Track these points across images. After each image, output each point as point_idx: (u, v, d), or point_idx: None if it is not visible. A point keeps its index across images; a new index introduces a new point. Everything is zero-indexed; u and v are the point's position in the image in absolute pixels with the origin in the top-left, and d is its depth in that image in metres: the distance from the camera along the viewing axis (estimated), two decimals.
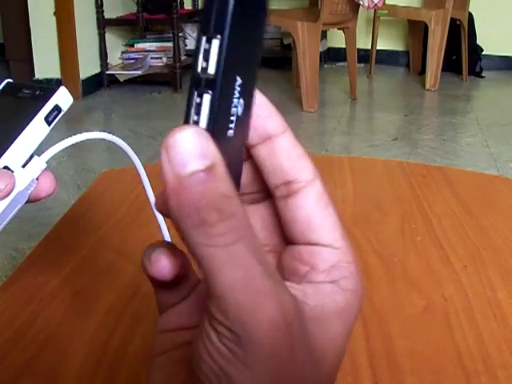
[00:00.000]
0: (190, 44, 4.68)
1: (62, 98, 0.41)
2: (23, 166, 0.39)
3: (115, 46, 4.15)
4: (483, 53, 4.40)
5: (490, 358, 0.50)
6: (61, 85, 0.43)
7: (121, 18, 4.10)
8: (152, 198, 0.51)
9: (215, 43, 0.21)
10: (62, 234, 0.71)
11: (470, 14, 4.19)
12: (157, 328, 0.27)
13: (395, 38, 4.67)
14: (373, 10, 4.11)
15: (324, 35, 4.53)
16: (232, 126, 0.23)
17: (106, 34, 3.93)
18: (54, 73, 3.72)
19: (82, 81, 3.74)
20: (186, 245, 0.21)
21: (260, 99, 0.25)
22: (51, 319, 0.55)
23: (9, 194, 0.37)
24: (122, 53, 4.24)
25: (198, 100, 0.21)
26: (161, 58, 4.22)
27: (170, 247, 0.25)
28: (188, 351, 0.24)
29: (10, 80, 0.43)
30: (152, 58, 4.20)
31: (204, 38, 0.21)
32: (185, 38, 4.64)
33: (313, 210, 0.25)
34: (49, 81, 3.72)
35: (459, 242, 0.69)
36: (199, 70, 0.21)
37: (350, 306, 0.24)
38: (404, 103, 3.75)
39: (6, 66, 4.27)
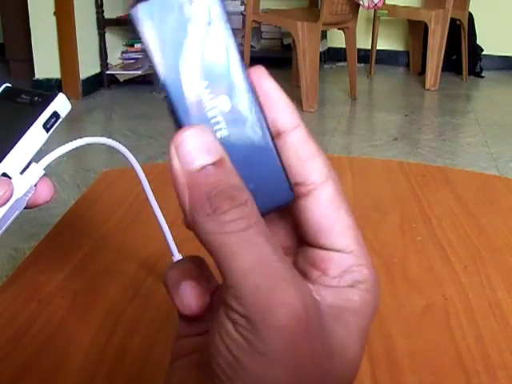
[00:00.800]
0: None
1: (61, 104, 0.40)
2: (21, 173, 0.39)
3: (115, 46, 4.15)
4: (483, 53, 4.40)
5: (489, 358, 0.50)
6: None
7: (121, 18, 4.09)
8: (152, 199, 0.51)
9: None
10: (61, 233, 0.71)
11: (470, 14, 4.19)
12: (176, 333, 0.27)
13: (395, 38, 4.67)
14: (373, 10, 4.11)
15: (324, 35, 4.52)
16: (220, 125, 0.23)
17: (106, 34, 3.93)
18: (54, 73, 3.72)
19: (82, 81, 3.74)
20: (200, 239, 0.21)
21: (271, 92, 0.24)
22: (51, 319, 0.55)
23: (7, 201, 0.37)
24: (122, 53, 4.24)
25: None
26: None
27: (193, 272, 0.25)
28: (203, 354, 0.24)
29: (9, 84, 0.42)
30: None
31: None
32: None
33: (323, 213, 0.24)
34: (49, 81, 3.73)
35: (459, 242, 0.69)
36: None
37: (366, 304, 0.24)
38: (404, 103, 3.75)
39: (6, 65, 4.27)
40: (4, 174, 0.38)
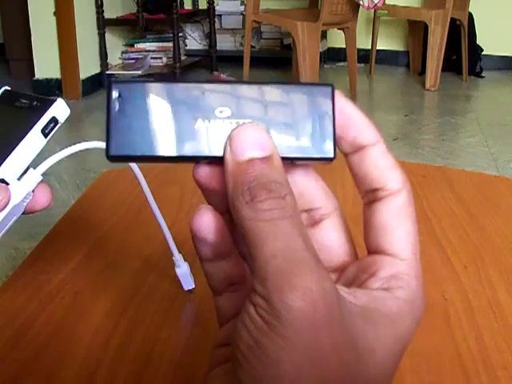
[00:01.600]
0: (190, 44, 4.68)
1: (60, 109, 0.40)
2: (19, 179, 0.38)
3: (115, 46, 4.15)
4: (483, 53, 4.40)
5: (489, 358, 0.50)
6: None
7: (121, 18, 4.10)
8: (151, 200, 0.51)
9: None
10: (62, 233, 0.71)
11: (470, 14, 4.19)
12: (214, 342, 0.27)
13: (395, 38, 4.67)
14: (373, 10, 4.11)
15: (324, 35, 4.53)
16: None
17: (106, 34, 3.93)
18: (54, 73, 3.72)
19: (82, 81, 3.74)
20: (236, 223, 0.23)
21: (351, 111, 0.26)
22: (51, 319, 0.55)
23: (4, 208, 0.37)
24: (122, 53, 4.24)
25: None
26: (161, 57, 4.22)
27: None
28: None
29: (8, 88, 0.42)
30: (152, 58, 4.20)
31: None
32: (185, 38, 4.64)
33: (390, 218, 0.26)
34: (49, 81, 3.73)
35: (459, 242, 0.69)
36: None
37: (403, 314, 0.24)
38: (404, 103, 3.75)
39: (6, 65, 4.27)
40: (1, 180, 0.37)
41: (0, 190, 0.37)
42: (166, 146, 0.24)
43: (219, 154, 0.24)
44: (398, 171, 0.26)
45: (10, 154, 0.38)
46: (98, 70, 3.93)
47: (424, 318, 0.59)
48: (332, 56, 4.69)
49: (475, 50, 4.31)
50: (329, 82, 0.26)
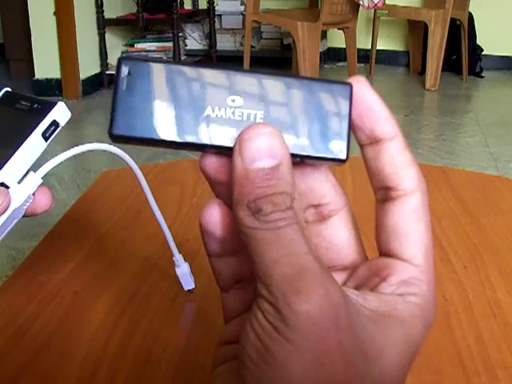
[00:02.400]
0: (190, 44, 4.68)
1: (60, 113, 0.39)
2: (19, 182, 0.38)
3: (115, 46, 4.15)
4: (483, 53, 4.40)
5: (489, 358, 0.50)
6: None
7: (121, 18, 4.10)
8: (151, 200, 0.51)
9: None
10: (62, 233, 0.71)
11: (470, 14, 4.19)
12: (219, 339, 0.27)
13: (395, 38, 4.67)
14: (373, 10, 4.11)
15: (324, 35, 4.52)
16: None
17: (106, 34, 3.93)
18: (54, 73, 3.72)
19: (82, 81, 3.74)
20: (237, 228, 0.23)
21: (372, 101, 0.25)
22: (51, 319, 0.55)
23: (4, 211, 0.37)
24: (122, 53, 4.24)
25: None
26: (161, 57, 4.22)
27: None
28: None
29: (9, 89, 0.42)
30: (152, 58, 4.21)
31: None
32: (185, 38, 4.64)
33: (403, 219, 0.25)
34: (49, 81, 3.73)
35: (459, 242, 0.69)
36: None
37: (414, 318, 0.24)
38: (404, 103, 3.75)
39: (6, 65, 4.27)
40: (2, 184, 0.37)
41: (0, 193, 0.37)
42: (172, 131, 0.23)
43: (228, 144, 0.23)
44: (413, 170, 0.25)
45: (10, 157, 0.37)
46: (97, 70, 3.92)
47: None
48: (332, 56, 4.69)
49: (475, 50, 4.31)
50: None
